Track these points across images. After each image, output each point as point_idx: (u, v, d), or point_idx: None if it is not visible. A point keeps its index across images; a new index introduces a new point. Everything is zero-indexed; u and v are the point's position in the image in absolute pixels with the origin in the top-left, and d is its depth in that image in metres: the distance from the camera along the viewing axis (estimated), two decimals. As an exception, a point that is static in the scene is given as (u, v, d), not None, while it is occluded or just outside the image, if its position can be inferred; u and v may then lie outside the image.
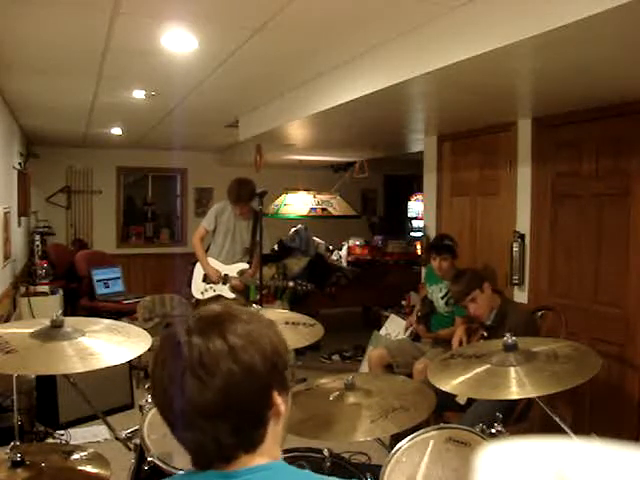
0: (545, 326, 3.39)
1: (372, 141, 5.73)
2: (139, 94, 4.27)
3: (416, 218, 8.33)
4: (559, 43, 2.13)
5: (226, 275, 4.41)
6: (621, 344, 3.24)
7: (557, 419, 1.96)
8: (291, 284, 4.55)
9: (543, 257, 3.79)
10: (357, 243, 7.34)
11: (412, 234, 8.33)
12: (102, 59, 3.30)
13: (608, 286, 3.34)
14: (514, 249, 3.87)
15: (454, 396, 2.64)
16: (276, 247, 6.55)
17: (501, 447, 0.66)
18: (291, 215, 6.74)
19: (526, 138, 3.85)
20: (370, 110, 3.64)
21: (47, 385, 3.87)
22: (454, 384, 1.95)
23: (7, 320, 4.43)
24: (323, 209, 6.78)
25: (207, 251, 4.55)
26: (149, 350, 1.93)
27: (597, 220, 3.39)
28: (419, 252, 6.38)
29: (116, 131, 6.26)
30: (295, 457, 1.91)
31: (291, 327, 2.44)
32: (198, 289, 4.51)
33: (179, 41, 2.89)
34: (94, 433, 3.78)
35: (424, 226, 5.07)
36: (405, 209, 8.90)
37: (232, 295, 4.39)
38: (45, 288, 5.49)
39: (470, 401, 2.88)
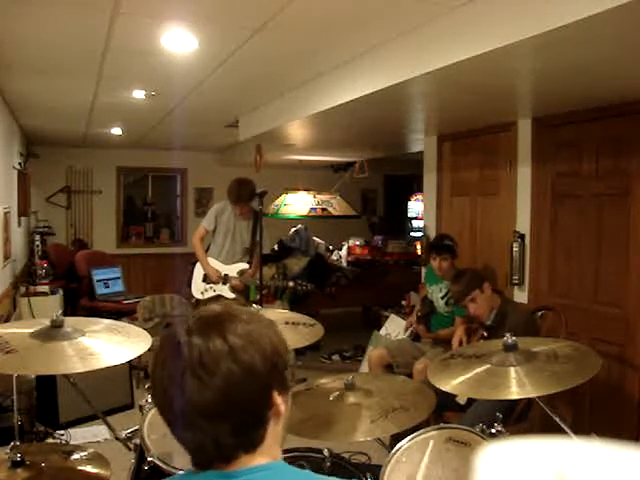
0: (545, 326, 3.39)
1: (372, 141, 5.73)
2: (139, 94, 4.27)
3: (416, 218, 8.33)
4: (559, 43, 2.13)
5: (226, 275, 4.41)
6: (621, 344, 3.24)
7: (557, 419, 1.96)
8: (291, 284, 4.55)
9: (543, 257, 3.79)
10: (357, 243, 7.34)
11: (412, 234, 8.33)
12: (102, 59, 3.30)
13: (608, 286, 3.34)
14: (514, 249, 3.87)
15: (454, 396, 2.64)
16: (276, 247, 6.55)
17: (501, 447, 0.66)
18: (291, 215, 6.74)
19: (526, 138, 3.85)
20: (370, 110, 3.64)
21: (47, 385, 3.87)
22: (454, 384, 1.95)
23: (7, 320, 4.43)
24: (323, 209, 6.78)
25: (207, 251, 4.55)
26: (149, 350, 1.93)
27: (597, 220, 3.39)
28: (419, 252, 6.38)
29: (116, 131, 6.26)
30: (295, 457, 1.91)
31: (291, 327, 2.44)
32: (198, 289, 4.51)
33: (179, 41, 2.89)
34: (94, 433, 3.78)
35: (424, 226, 5.07)
36: (405, 209, 8.90)
37: (232, 295, 4.39)
38: (45, 288, 5.49)
39: (470, 401, 2.88)
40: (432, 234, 4.75)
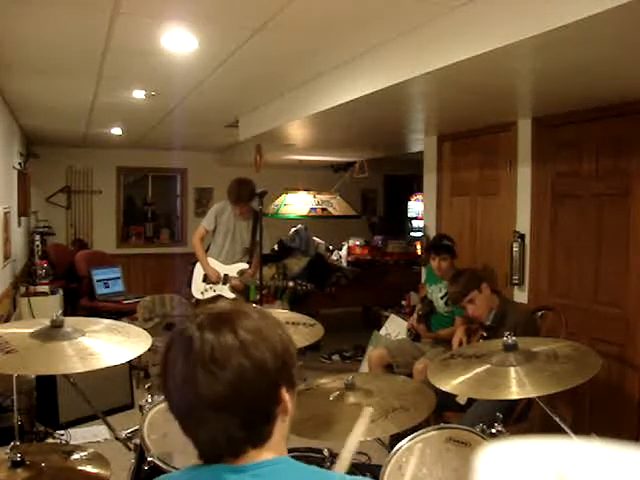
0: (545, 326, 3.39)
1: (372, 141, 5.73)
2: (139, 94, 4.27)
3: (416, 218, 8.33)
4: (559, 43, 2.13)
5: (226, 275, 4.41)
6: (621, 344, 3.24)
7: (557, 419, 1.96)
8: (291, 284, 4.55)
9: (543, 257, 3.79)
10: (357, 243, 7.34)
11: (412, 234, 8.33)
12: (102, 59, 3.30)
13: (608, 286, 3.34)
14: (514, 249, 3.87)
15: (454, 396, 2.63)
16: (276, 247, 6.55)
17: (501, 447, 0.66)
18: (291, 215, 6.74)
19: (526, 138, 3.85)
20: (370, 110, 3.64)
21: (47, 385, 3.87)
22: (454, 384, 1.95)
23: (7, 320, 4.43)
24: (323, 209, 6.78)
25: (207, 251, 4.55)
26: (149, 350, 1.93)
27: (597, 220, 3.39)
28: (419, 252, 6.38)
29: (116, 131, 6.26)
30: (295, 457, 1.90)
31: (291, 327, 2.44)
32: (198, 289, 4.50)
33: (179, 41, 2.89)
34: (94, 433, 3.78)
35: (424, 226, 5.06)
36: (405, 209, 8.90)
37: (232, 295, 4.39)
38: (45, 288, 5.49)
39: (470, 401, 2.88)
40: (432, 234, 4.74)
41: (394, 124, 4.51)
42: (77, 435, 3.76)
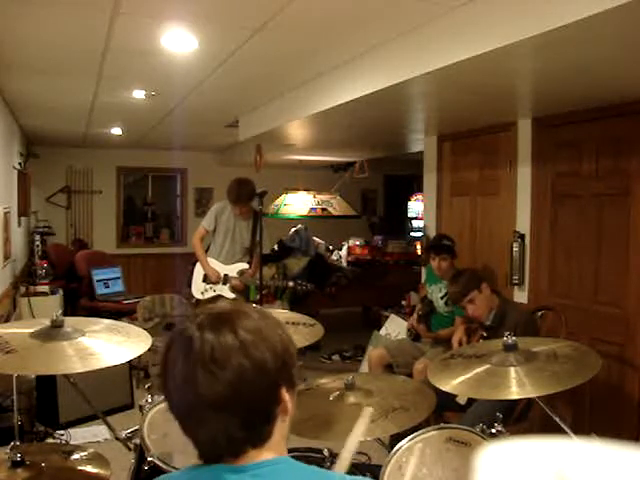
0: (545, 326, 3.39)
1: (372, 141, 5.73)
2: (139, 94, 4.27)
3: (416, 218, 8.33)
4: (559, 43, 2.14)
5: (226, 275, 4.41)
6: (621, 344, 3.24)
7: (557, 419, 1.96)
8: (291, 284, 4.55)
9: (543, 257, 3.79)
10: (357, 243, 7.34)
11: (412, 234, 8.33)
12: (102, 59, 3.30)
13: (608, 286, 3.34)
14: (514, 249, 3.87)
15: (454, 396, 2.64)
16: (276, 247, 6.55)
17: (501, 447, 0.66)
18: (291, 215, 6.74)
19: (526, 138, 3.85)
20: (370, 110, 3.64)
21: (47, 385, 3.87)
22: (454, 384, 1.95)
23: (7, 320, 4.43)
24: (323, 209, 6.77)
25: (207, 251, 4.55)
26: (149, 350, 1.93)
27: (597, 220, 3.39)
28: (419, 252, 6.38)
29: (116, 131, 6.26)
30: (295, 457, 1.90)
31: (291, 327, 2.44)
32: (198, 289, 4.50)
33: (179, 41, 2.89)
34: (94, 433, 3.78)
35: (424, 226, 5.06)
36: (405, 209, 8.90)
37: (232, 295, 4.38)
38: (45, 288, 5.49)
39: (470, 401, 2.88)
40: (432, 234, 4.74)
41: (394, 124, 4.51)
42: (77, 435, 3.76)
